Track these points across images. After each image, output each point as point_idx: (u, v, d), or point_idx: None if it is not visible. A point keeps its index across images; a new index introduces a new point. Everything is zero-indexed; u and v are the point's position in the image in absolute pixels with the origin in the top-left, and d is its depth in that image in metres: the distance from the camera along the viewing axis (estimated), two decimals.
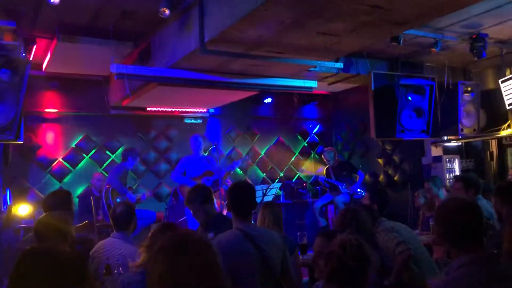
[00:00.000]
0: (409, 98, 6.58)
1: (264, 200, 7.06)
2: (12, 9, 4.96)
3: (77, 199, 7.38)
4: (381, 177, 8.73)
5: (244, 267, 2.86)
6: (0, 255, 5.20)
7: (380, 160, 8.79)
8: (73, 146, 7.57)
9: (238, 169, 8.63)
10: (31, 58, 5.76)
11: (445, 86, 6.93)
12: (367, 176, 8.43)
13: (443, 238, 2.02)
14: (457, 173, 7.67)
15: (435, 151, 7.86)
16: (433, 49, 6.27)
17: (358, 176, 7.84)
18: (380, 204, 4.24)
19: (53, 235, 3.08)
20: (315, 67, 6.19)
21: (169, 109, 8.13)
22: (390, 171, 8.60)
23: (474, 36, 6.18)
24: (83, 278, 1.56)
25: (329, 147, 8.43)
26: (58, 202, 3.78)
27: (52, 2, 4.17)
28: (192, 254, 1.51)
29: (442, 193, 5.80)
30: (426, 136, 6.87)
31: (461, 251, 1.95)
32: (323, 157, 8.12)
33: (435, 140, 7.68)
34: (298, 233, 4.31)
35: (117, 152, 7.83)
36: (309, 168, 9.46)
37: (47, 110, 7.41)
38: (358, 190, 7.63)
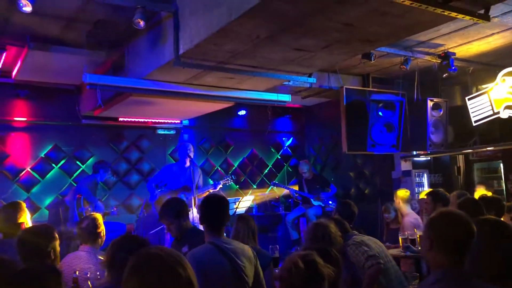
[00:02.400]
0: (380, 113, 6.72)
1: (236, 213, 7.05)
2: None
3: (47, 211, 7.23)
4: (352, 190, 8.85)
5: (218, 280, 2.87)
6: None
7: (351, 174, 8.92)
8: (42, 155, 7.41)
9: (210, 180, 8.60)
10: (0, 66, 5.66)
11: (415, 102, 7.11)
12: (339, 191, 8.52)
13: (435, 246, 2.02)
14: (426, 187, 7.84)
15: (405, 166, 8.02)
16: (403, 66, 6.44)
17: (330, 190, 7.92)
18: (347, 216, 4.29)
19: (34, 252, 3.01)
20: (289, 81, 6.27)
21: (142, 120, 8.06)
22: (361, 185, 8.72)
23: (442, 54, 6.38)
24: None
25: (304, 160, 8.50)
26: (7, 217, 3.69)
27: (24, 10, 4.10)
28: (163, 272, 1.49)
29: (408, 208, 5.91)
30: (396, 151, 7.01)
31: (446, 262, 1.97)
32: (298, 169, 8.16)
33: (405, 155, 7.84)
34: (270, 246, 4.31)
35: (87, 163, 7.71)
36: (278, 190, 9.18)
37: (16, 119, 7.25)
38: (330, 202, 7.70)
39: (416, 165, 8.14)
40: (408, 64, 6.42)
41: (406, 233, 5.19)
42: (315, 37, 4.33)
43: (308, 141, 10.02)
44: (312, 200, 7.78)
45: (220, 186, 6.89)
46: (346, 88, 6.79)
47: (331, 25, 4.01)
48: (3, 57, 5.72)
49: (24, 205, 4.04)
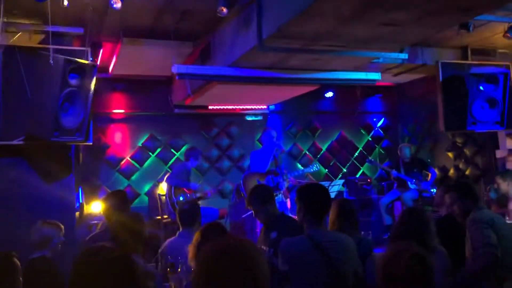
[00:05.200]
0: (481, 88, 6.17)
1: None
2: (80, 16, 5.18)
3: (147, 197, 7.67)
4: (451, 171, 8.31)
5: (310, 275, 2.77)
6: (75, 250, 5.48)
7: (450, 154, 8.37)
8: (140, 145, 7.84)
9: (299, 165, 8.57)
10: (98, 62, 6.01)
11: None
12: (437, 172, 8.04)
13: None
14: None
15: (511, 143, 7.35)
16: (507, 34, 5.84)
17: (429, 174, 7.47)
18: (474, 195, 3.84)
19: (129, 235, 3.21)
20: (378, 58, 5.97)
21: (230, 107, 8.20)
22: (461, 165, 8.16)
23: None
24: (131, 277, 1.64)
25: (405, 143, 8.16)
26: (117, 203, 3.93)
27: (115, 7, 4.30)
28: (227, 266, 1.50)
29: None
30: (500, 128, 6.41)
31: None
32: (399, 153, 7.78)
33: (511, 132, 7.17)
34: (362, 233, 4.14)
35: (181, 150, 8.03)
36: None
37: (114, 111, 7.73)
38: (432, 190, 7.27)
39: None
40: None
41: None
42: (404, 10, 4.03)
43: (402, 121, 9.55)
44: (409, 183, 7.41)
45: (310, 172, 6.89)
46: (442, 63, 6.32)
47: None
48: (100, 54, 6.07)
49: (126, 194, 4.34)
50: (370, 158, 8.71)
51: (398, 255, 1.95)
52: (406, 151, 7.62)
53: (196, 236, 3.10)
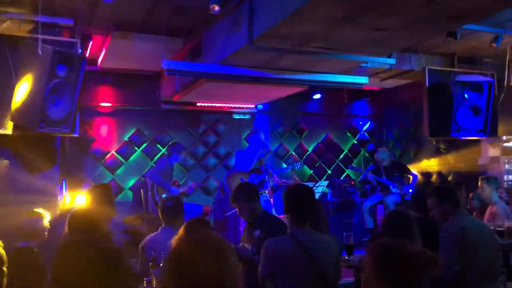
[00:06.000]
0: (466, 95, 6.29)
1: None
2: (70, 7, 5.15)
3: (131, 192, 7.63)
4: (434, 177, 8.44)
5: (294, 275, 2.81)
6: (56, 242, 5.43)
7: (433, 159, 8.50)
8: (126, 139, 7.80)
9: (284, 164, 8.61)
10: (87, 55, 5.97)
11: (505, 83, 6.57)
12: (420, 177, 8.15)
13: None
14: None
15: (493, 151, 7.48)
16: (494, 44, 5.96)
17: (411, 177, 7.58)
18: (454, 200, 3.81)
19: (84, 229, 3.19)
20: (367, 63, 6.03)
21: (218, 105, 8.21)
22: (443, 171, 8.29)
23: None
24: (117, 269, 1.65)
25: (382, 148, 8.24)
26: (99, 197, 3.92)
27: (107, 0, 4.29)
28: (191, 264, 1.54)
29: (496, 196, 5.52)
30: (483, 136, 6.55)
31: None
32: (375, 157, 7.88)
33: (493, 140, 7.31)
34: (344, 234, 4.22)
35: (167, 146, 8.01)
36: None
37: (101, 104, 7.67)
38: (410, 191, 7.40)
39: (506, 151, 7.56)
40: (499, 42, 5.92)
41: (489, 223, 4.86)
42: (394, 16, 4.10)
43: (387, 126, 9.66)
44: (391, 187, 7.50)
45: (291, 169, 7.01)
46: (428, 69, 6.43)
47: (412, 2, 3.77)
48: (90, 46, 6.03)
49: (111, 188, 4.32)
50: (352, 164, 8.78)
51: (397, 251, 1.93)
52: (382, 155, 7.72)
53: (181, 230, 3.12)
